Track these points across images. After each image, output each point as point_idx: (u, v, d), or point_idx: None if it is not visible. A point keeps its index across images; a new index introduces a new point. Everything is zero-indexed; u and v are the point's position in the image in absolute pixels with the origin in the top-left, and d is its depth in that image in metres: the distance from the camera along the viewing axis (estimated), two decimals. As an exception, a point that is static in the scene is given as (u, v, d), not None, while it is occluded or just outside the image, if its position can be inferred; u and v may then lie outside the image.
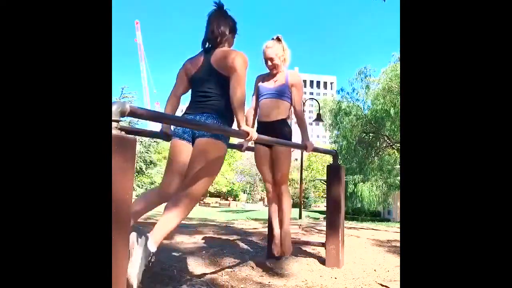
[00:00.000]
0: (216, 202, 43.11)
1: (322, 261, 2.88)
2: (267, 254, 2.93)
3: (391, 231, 5.03)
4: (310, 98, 18.92)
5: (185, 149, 2.02)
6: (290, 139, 2.62)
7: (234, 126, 2.04)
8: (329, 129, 21.95)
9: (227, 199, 47.07)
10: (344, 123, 18.67)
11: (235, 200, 46.86)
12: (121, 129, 1.29)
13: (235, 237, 3.79)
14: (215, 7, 2.08)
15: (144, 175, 25.66)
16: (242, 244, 3.42)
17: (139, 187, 25.59)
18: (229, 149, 2.09)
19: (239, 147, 2.67)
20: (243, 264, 2.66)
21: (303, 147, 2.61)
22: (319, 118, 14.18)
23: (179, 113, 2.19)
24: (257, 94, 2.70)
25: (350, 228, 5.17)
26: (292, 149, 2.78)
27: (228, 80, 1.96)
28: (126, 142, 1.26)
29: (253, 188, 45.10)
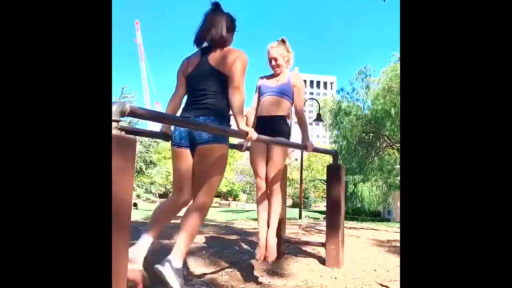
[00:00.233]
0: (216, 202, 43.10)
1: (322, 261, 2.88)
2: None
3: (391, 231, 5.03)
4: (310, 98, 18.95)
5: (185, 156, 2.02)
6: (288, 137, 2.60)
7: (233, 123, 2.04)
8: (329, 129, 21.95)
9: (227, 199, 47.08)
10: (344, 123, 18.66)
11: (235, 200, 46.87)
12: (121, 129, 1.29)
13: (235, 237, 3.79)
14: (212, 7, 2.07)
15: (144, 175, 25.64)
16: (242, 244, 3.42)
17: (139, 187, 25.59)
18: (229, 149, 2.09)
19: (239, 147, 2.67)
20: (243, 264, 2.66)
21: (303, 147, 2.60)
22: (319, 118, 14.18)
23: (179, 113, 2.18)
24: (259, 93, 2.70)
25: (350, 228, 5.17)
26: (292, 149, 2.77)
27: (226, 78, 1.95)
28: (126, 142, 1.26)
29: (253, 188, 45.04)
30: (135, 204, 22.83)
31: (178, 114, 2.13)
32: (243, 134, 1.95)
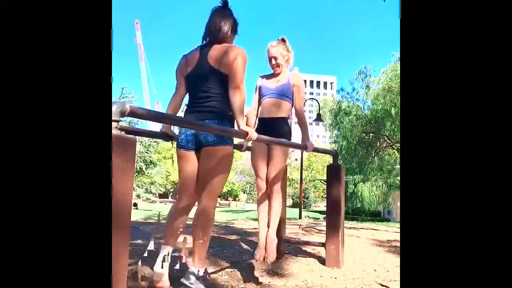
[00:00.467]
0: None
1: (322, 261, 2.88)
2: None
3: (391, 231, 5.03)
4: (310, 98, 18.96)
5: (191, 158, 2.03)
6: (289, 138, 2.61)
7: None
8: (329, 129, 21.95)
9: (227, 199, 47.09)
10: (344, 123, 18.66)
11: (235, 200, 46.87)
12: (121, 129, 1.29)
13: (235, 237, 3.79)
14: (220, 4, 2.06)
15: (144, 175, 25.65)
16: (242, 244, 3.42)
17: (139, 187, 25.59)
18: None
19: (239, 147, 2.67)
20: (243, 264, 2.66)
21: (303, 147, 2.61)
22: (319, 118, 14.19)
23: (180, 113, 2.18)
24: (259, 94, 2.70)
25: (350, 228, 5.17)
26: (292, 149, 2.77)
27: (226, 77, 1.94)
28: (126, 142, 1.26)
29: (253, 188, 45.06)
30: (135, 204, 22.81)
31: (179, 114, 2.12)
32: (243, 134, 1.95)
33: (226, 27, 2.01)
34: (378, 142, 19.06)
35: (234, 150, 2.49)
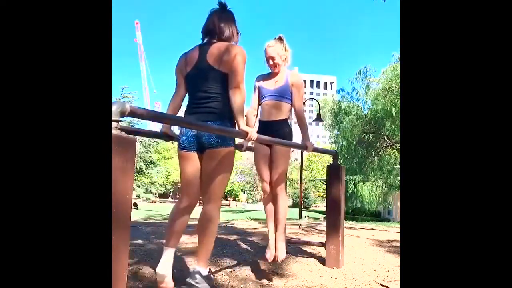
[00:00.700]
0: (216, 202, 42.92)
1: (322, 261, 2.88)
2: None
3: (391, 231, 5.03)
4: (310, 98, 18.94)
5: (193, 159, 2.03)
6: (290, 139, 2.61)
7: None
8: (329, 129, 21.94)
9: (227, 199, 47.08)
10: (344, 123, 18.66)
11: (235, 200, 46.86)
12: (121, 129, 1.29)
13: (235, 237, 3.79)
14: (218, 7, 2.06)
15: (144, 175, 25.66)
16: (242, 244, 3.42)
17: (139, 187, 25.59)
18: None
19: (239, 147, 2.67)
20: (243, 264, 2.66)
21: (303, 147, 2.61)
22: (319, 118, 14.18)
23: (180, 113, 2.18)
24: (258, 95, 2.69)
25: (350, 228, 5.17)
26: (292, 149, 2.77)
27: (226, 76, 1.93)
28: (126, 142, 1.26)
29: (253, 188, 45.08)
30: (135, 204, 22.83)
31: (179, 114, 2.12)
32: (243, 134, 1.94)
33: (224, 27, 2.01)
34: (378, 142, 19.06)
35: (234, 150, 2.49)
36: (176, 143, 2.14)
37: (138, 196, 25.89)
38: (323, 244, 2.91)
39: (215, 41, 2.01)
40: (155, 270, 1.86)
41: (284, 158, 2.58)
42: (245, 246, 3.35)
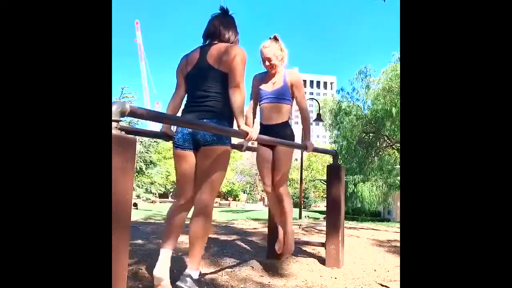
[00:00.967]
0: (216, 202, 42.97)
1: (322, 261, 2.88)
2: (267, 254, 2.93)
3: (391, 231, 5.03)
4: (310, 98, 18.91)
5: (188, 158, 2.02)
6: (292, 140, 2.62)
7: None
8: (329, 129, 21.94)
9: (227, 199, 47.06)
10: (344, 123, 18.66)
11: (235, 200, 46.84)
12: (121, 129, 1.29)
13: (235, 237, 3.79)
14: (220, 12, 2.08)
15: (144, 175, 25.64)
16: (242, 244, 3.42)
17: (139, 187, 25.57)
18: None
19: (239, 147, 2.67)
20: (243, 264, 2.66)
21: (303, 147, 2.61)
22: (319, 118, 14.19)
23: (180, 113, 2.18)
24: (256, 96, 2.68)
25: (350, 228, 5.17)
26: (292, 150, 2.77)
27: (225, 76, 1.93)
28: (126, 142, 1.26)
29: (253, 188, 45.10)
30: (135, 204, 22.81)
31: (179, 114, 2.12)
32: (243, 134, 1.94)
33: (224, 30, 2.03)
34: (378, 142, 19.06)
35: (234, 150, 2.50)
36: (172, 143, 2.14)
37: (138, 196, 25.88)
38: (323, 244, 2.91)
39: (215, 42, 2.03)
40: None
41: (286, 159, 2.60)
42: (245, 246, 3.35)
